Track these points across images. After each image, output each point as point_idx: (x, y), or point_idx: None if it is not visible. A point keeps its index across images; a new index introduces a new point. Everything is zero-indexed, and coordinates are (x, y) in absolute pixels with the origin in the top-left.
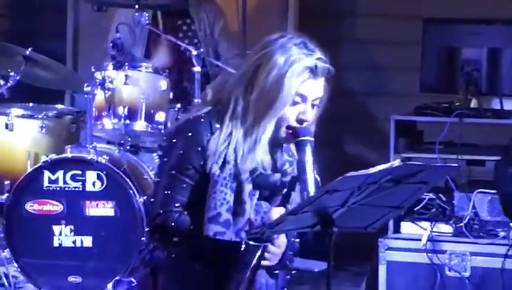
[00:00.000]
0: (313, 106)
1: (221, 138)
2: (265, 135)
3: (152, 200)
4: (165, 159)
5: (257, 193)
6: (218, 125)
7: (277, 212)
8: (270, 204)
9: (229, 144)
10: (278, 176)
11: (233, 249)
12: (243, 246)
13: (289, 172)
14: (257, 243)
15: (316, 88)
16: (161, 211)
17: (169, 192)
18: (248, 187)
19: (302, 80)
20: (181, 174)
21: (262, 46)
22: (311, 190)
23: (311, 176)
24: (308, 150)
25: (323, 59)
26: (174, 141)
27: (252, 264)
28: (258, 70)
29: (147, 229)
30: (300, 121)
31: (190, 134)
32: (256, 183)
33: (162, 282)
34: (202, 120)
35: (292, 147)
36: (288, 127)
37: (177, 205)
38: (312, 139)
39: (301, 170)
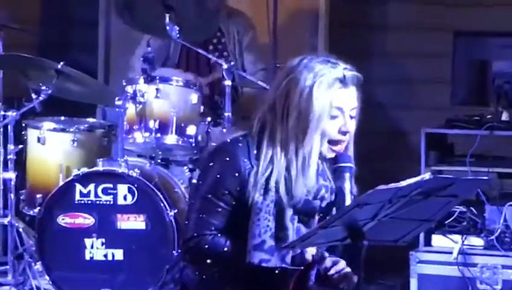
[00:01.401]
0: (350, 117)
1: (260, 169)
2: (313, 154)
3: (186, 222)
4: (200, 182)
5: (296, 218)
6: (255, 152)
7: None
8: (307, 228)
9: (271, 173)
10: (317, 202)
11: (272, 274)
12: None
13: (326, 197)
14: (297, 267)
15: (350, 98)
16: (195, 234)
17: (204, 215)
18: (289, 213)
19: (334, 91)
20: (217, 199)
21: (286, 72)
22: None
23: (349, 202)
24: (347, 177)
25: (349, 68)
26: (211, 164)
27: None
28: (289, 96)
29: (178, 250)
30: (343, 133)
31: (228, 158)
32: (296, 208)
33: None
34: (240, 145)
35: (328, 171)
36: (330, 142)
37: (211, 228)
38: (352, 166)
39: (340, 197)
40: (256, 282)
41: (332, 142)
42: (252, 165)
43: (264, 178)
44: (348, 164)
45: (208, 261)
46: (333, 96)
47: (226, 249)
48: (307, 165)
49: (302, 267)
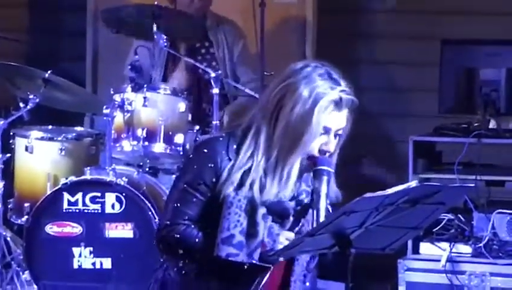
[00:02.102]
0: (335, 135)
1: (237, 163)
2: (294, 170)
3: (163, 212)
4: (179, 174)
5: (270, 217)
6: (235, 147)
7: (287, 235)
8: (281, 228)
9: (248, 170)
10: (292, 204)
11: (240, 269)
12: (247, 266)
13: (304, 202)
14: (266, 265)
15: (340, 120)
16: (168, 223)
17: (179, 205)
18: (262, 211)
19: (327, 114)
20: (192, 189)
21: (286, 75)
22: (322, 219)
23: (324, 205)
24: (325, 180)
25: (347, 91)
26: (190, 156)
27: (260, 284)
28: (283, 102)
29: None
30: (322, 152)
31: (206, 150)
32: (269, 208)
33: None
34: (221, 139)
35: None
36: (309, 158)
37: (185, 218)
38: (331, 170)
39: (316, 199)
40: (225, 276)
41: (309, 157)
42: (229, 159)
43: (240, 173)
44: (327, 168)
45: (180, 251)
46: (325, 118)
47: (197, 240)
48: (286, 178)
49: (271, 266)
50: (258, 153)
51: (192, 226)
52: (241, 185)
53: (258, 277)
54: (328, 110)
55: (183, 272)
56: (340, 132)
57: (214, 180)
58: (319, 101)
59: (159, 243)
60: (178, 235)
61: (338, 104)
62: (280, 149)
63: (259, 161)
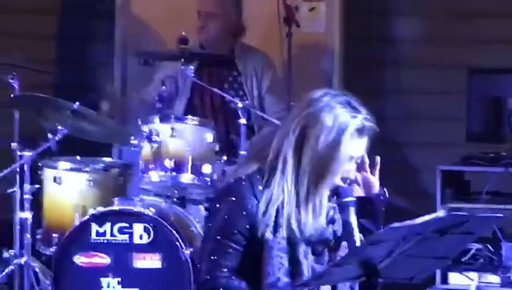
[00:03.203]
0: (355, 163)
1: (272, 201)
2: (324, 200)
3: (198, 265)
4: (210, 225)
5: (310, 251)
6: (260, 187)
7: None
8: (320, 259)
9: (281, 207)
10: (330, 229)
11: None
12: None
13: (335, 218)
14: None
15: (362, 147)
16: (208, 277)
17: (215, 258)
18: (302, 248)
19: (352, 142)
20: (226, 239)
21: (307, 104)
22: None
23: (357, 234)
24: (352, 211)
25: (369, 118)
26: (217, 205)
27: None
28: (306, 131)
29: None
30: (344, 180)
31: (234, 198)
32: (310, 241)
33: None
34: (243, 183)
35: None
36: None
37: (224, 270)
38: (354, 199)
39: (348, 231)
40: None
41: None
42: (258, 201)
43: (273, 210)
44: (351, 198)
45: None
46: (351, 147)
47: (217, 279)
48: (319, 209)
49: None
50: (287, 185)
51: (233, 277)
52: (276, 226)
53: None
54: (353, 138)
55: None
56: (359, 160)
57: (247, 227)
58: (345, 130)
59: None
60: (221, 289)
61: (361, 131)
62: (309, 180)
63: (290, 192)
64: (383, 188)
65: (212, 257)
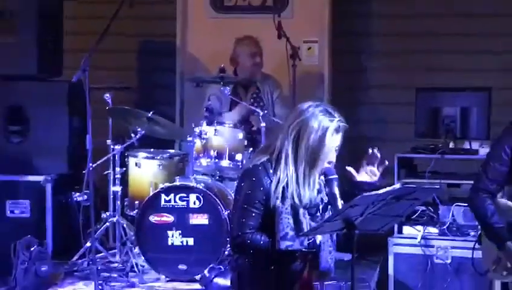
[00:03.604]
0: (335, 151)
1: (280, 181)
2: (316, 179)
3: (231, 225)
4: (237, 197)
5: (306, 213)
6: (271, 171)
7: None
8: (314, 218)
9: (286, 185)
10: (319, 197)
11: (293, 254)
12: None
13: (323, 189)
14: (310, 250)
15: (338, 140)
16: (239, 233)
17: (243, 220)
18: (301, 211)
19: (333, 138)
20: (250, 207)
21: (298, 113)
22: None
23: (340, 200)
24: (335, 184)
25: (342, 120)
26: (242, 184)
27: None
28: (300, 132)
29: (229, 246)
30: (329, 163)
31: (254, 178)
32: (306, 206)
33: (244, 279)
34: (260, 168)
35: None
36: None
37: (250, 228)
38: (336, 176)
39: (333, 199)
40: (283, 262)
41: None
42: (271, 180)
43: (281, 187)
44: (335, 176)
45: (251, 251)
46: (332, 141)
47: (262, 242)
48: (313, 185)
49: (314, 249)
50: (289, 171)
51: (255, 232)
52: (283, 197)
53: (305, 259)
54: (333, 135)
55: (251, 262)
56: (337, 148)
57: (264, 198)
58: (327, 130)
59: (234, 248)
60: (248, 241)
61: (337, 130)
62: (305, 166)
63: (291, 176)
64: (383, 178)
65: (241, 220)
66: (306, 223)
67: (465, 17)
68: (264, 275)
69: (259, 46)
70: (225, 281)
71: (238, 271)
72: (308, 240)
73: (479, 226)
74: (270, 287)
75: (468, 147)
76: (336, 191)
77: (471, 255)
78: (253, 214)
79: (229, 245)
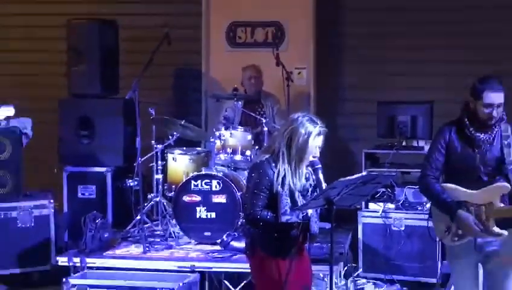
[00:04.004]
0: (318, 148)
1: (280, 173)
2: (304, 170)
3: (245, 205)
4: (249, 185)
5: (300, 194)
6: (273, 165)
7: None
8: (306, 198)
9: (284, 175)
10: (308, 184)
11: (291, 225)
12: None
13: (311, 176)
14: (304, 220)
15: (320, 141)
16: (252, 211)
17: (254, 201)
18: (297, 194)
19: (315, 140)
20: (259, 191)
21: (290, 122)
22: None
23: (323, 184)
24: (320, 172)
25: (322, 126)
26: (253, 174)
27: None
28: (292, 137)
29: (242, 219)
30: (314, 157)
31: (261, 171)
32: (299, 191)
33: (256, 244)
34: (265, 162)
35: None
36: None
37: (259, 207)
38: (320, 166)
39: (319, 183)
40: (285, 231)
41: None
42: (273, 172)
43: (280, 177)
44: (319, 165)
45: (260, 223)
46: (315, 142)
47: (268, 216)
48: (302, 175)
49: (307, 220)
50: (285, 165)
51: (263, 210)
52: (283, 184)
53: (301, 226)
54: (315, 138)
55: (261, 232)
56: (320, 147)
57: (269, 185)
58: (311, 134)
59: (248, 222)
60: (258, 217)
61: (319, 133)
62: (295, 161)
63: (287, 169)
64: None
65: (252, 201)
66: (300, 202)
67: (416, 50)
68: (271, 240)
69: (259, 71)
70: (239, 244)
71: (251, 238)
72: (302, 214)
73: (430, 203)
74: (275, 248)
75: (416, 144)
76: (321, 176)
77: (419, 224)
78: (261, 197)
79: (242, 219)
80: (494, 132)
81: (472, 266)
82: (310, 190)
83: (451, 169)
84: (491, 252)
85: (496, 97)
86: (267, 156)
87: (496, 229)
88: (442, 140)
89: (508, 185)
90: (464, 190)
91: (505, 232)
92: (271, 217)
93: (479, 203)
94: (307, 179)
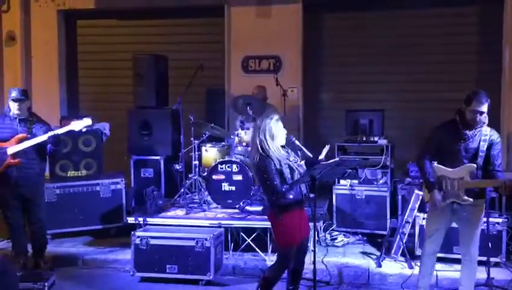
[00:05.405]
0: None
1: (273, 158)
2: (280, 147)
3: (274, 183)
4: (264, 176)
5: (296, 171)
6: (266, 156)
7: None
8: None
9: (277, 158)
10: (289, 155)
11: (297, 199)
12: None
13: (290, 152)
14: (304, 195)
15: (281, 125)
16: (279, 190)
17: (275, 182)
18: (295, 166)
19: (279, 124)
20: (274, 175)
21: (258, 123)
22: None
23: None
24: (297, 141)
25: (278, 116)
26: (262, 168)
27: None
28: (264, 130)
29: (254, 186)
30: (286, 135)
31: (266, 163)
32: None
33: (274, 211)
34: (265, 156)
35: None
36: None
37: (280, 184)
38: (294, 138)
39: (299, 149)
40: (293, 203)
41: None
42: (271, 160)
43: (277, 160)
44: (294, 138)
45: (284, 196)
46: (279, 126)
47: (284, 189)
48: (279, 149)
49: (305, 195)
50: (273, 151)
51: (285, 185)
52: (280, 164)
53: (304, 198)
54: (277, 123)
55: (282, 201)
56: (285, 131)
57: (274, 168)
58: (272, 122)
59: (279, 196)
60: (284, 189)
61: (277, 119)
62: (273, 144)
63: (274, 151)
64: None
65: (274, 183)
66: (297, 173)
67: (371, 74)
68: (286, 206)
69: (264, 89)
70: (252, 208)
71: (272, 207)
72: (302, 192)
73: (421, 180)
74: (290, 213)
75: (372, 139)
76: (297, 143)
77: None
78: (276, 177)
79: (252, 192)
80: (477, 131)
81: (444, 227)
82: (296, 160)
83: (443, 154)
84: (463, 215)
85: (480, 107)
86: (259, 154)
87: (465, 197)
88: (435, 136)
89: (474, 165)
90: (446, 168)
91: (471, 199)
92: (287, 189)
93: (454, 178)
94: (288, 153)
